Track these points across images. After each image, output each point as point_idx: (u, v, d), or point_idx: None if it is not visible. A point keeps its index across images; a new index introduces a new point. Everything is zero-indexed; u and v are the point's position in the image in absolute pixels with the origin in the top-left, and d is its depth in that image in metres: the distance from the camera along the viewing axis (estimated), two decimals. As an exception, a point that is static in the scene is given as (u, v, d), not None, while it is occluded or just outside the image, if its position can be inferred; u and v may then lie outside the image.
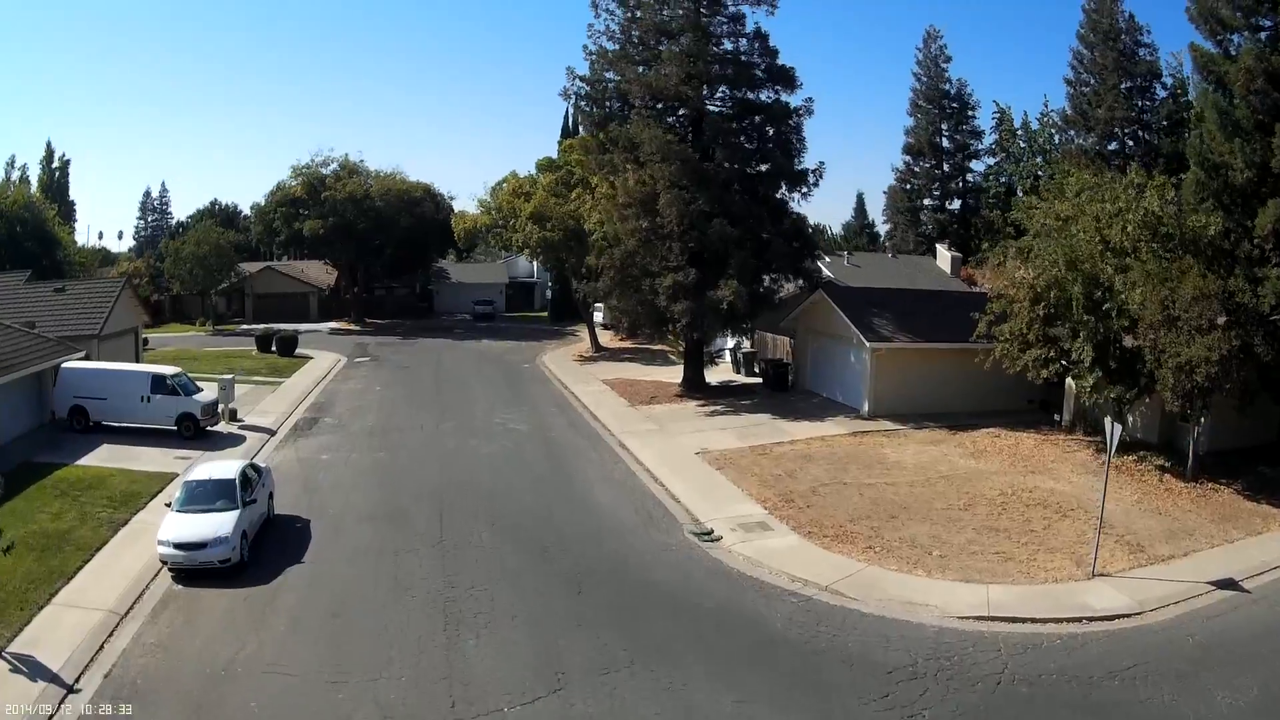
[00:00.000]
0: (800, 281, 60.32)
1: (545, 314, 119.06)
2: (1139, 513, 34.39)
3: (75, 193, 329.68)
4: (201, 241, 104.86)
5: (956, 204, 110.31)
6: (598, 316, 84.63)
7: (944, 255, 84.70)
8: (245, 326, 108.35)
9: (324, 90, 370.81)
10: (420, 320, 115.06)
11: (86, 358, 50.78)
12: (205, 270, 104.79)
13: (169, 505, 30.56)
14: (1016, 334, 43.69)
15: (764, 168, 59.60)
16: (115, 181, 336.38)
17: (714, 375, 64.34)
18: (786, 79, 58.51)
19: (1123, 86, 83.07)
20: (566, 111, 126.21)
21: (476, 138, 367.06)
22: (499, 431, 50.10)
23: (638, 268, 57.30)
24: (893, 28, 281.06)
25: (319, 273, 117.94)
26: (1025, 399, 50.91)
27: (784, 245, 57.09)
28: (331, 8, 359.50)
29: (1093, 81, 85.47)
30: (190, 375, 51.68)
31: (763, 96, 59.25)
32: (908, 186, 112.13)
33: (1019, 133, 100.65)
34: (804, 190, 60.19)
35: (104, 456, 41.38)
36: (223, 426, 49.94)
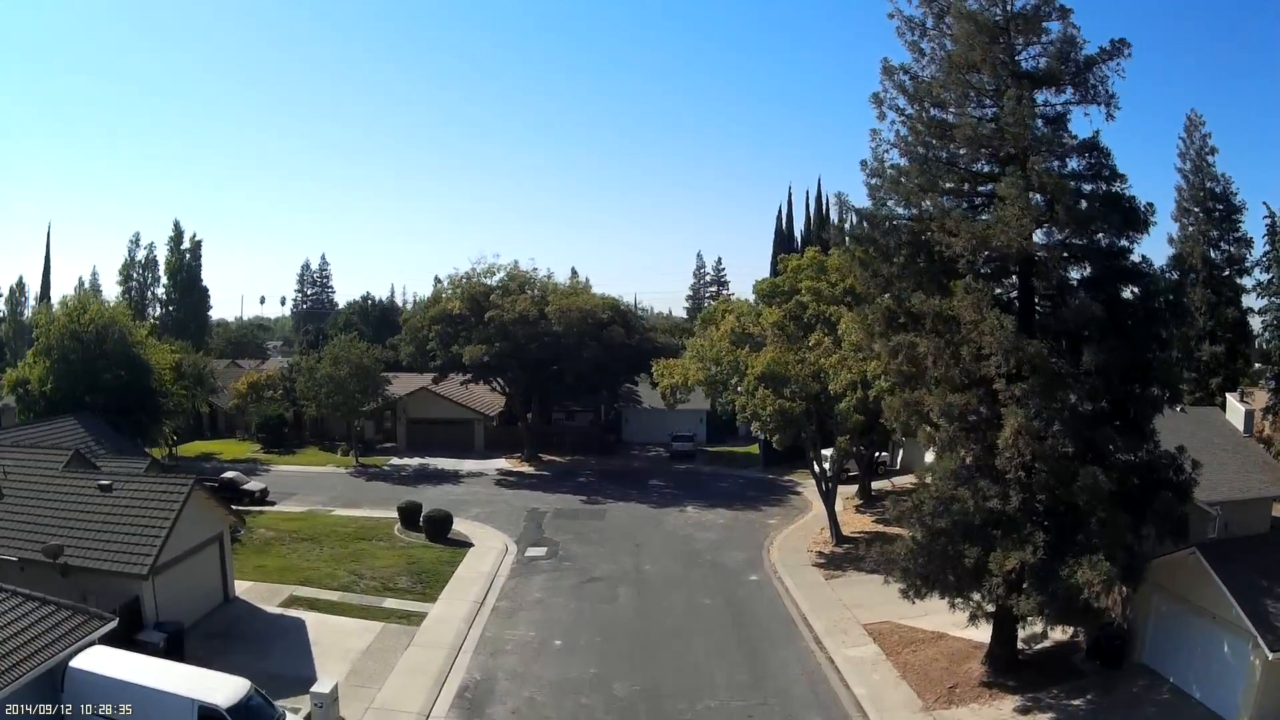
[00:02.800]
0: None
1: (754, 449, 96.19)
2: None
3: (228, 262, 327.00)
4: (340, 360, 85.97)
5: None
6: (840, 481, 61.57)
7: (1235, 407, 59.05)
8: (396, 461, 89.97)
9: (489, 181, 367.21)
10: (606, 459, 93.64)
11: (135, 605, 38.05)
12: (344, 395, 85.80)
13: None
14: None
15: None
16: (275, 248, 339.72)
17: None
18: (1133, 218, 34.58)
19: None
20: (780, 211, 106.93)
21: (669, 233, 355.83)
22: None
23: (951, 519, 34.78)
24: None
25: (484, 395, 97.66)
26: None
27: (1166, 498, 33.86)
28: (503, 94, 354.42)
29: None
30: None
31: (1102, 242, 35.12)
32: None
33: (1294, 244, 74.57)
34: (1172, 401, 36.99)
35: None
36: (316, 758, 30.66)
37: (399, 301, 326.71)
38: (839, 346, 56.27)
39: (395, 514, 64.24)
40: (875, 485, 73.68)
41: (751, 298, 72.02)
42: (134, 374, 69.42)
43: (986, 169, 35.87)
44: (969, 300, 32.75)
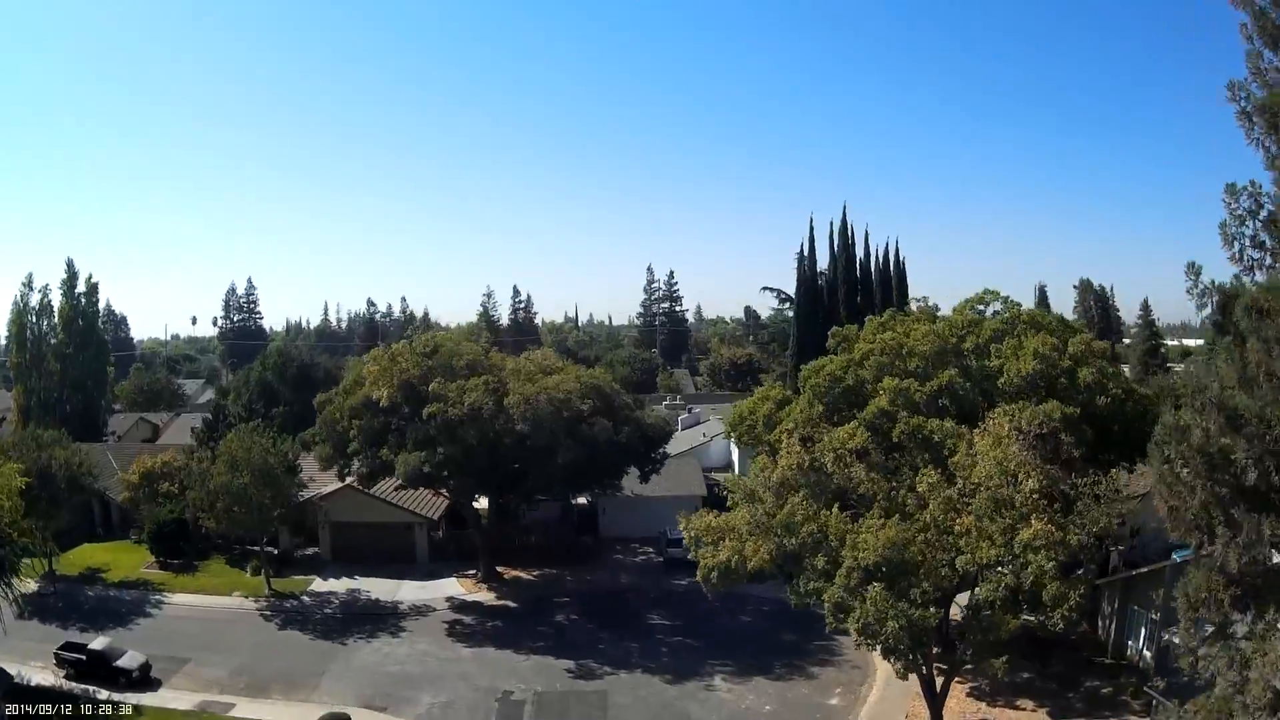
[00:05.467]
0: None
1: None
2: None
3: (157, 282, 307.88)
4: (239, 464, 65.93)
5: None
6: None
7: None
8: (319, 586, 71.07)
9: (423, 193, 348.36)
10: (583, 570, 74.61)
11: None
12: (246, 508, 65.97)
13: None
14: None
15: None
16: (207, 265, 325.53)
17: None
18: None
19: None
20: (801, 250, 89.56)
21: (617, 245, 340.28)
22: None
23: None
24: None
25: (426, 493, 77.45)
26: None
27: None
28: (433, 103, 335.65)
29: None
30: None
31: None
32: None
33: None
34: None
35: None
36: None
37: (332, 320, 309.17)
38: (950, 483, 38.24)
39: (316, 724, 45.27)
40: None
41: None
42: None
43: None
44: None
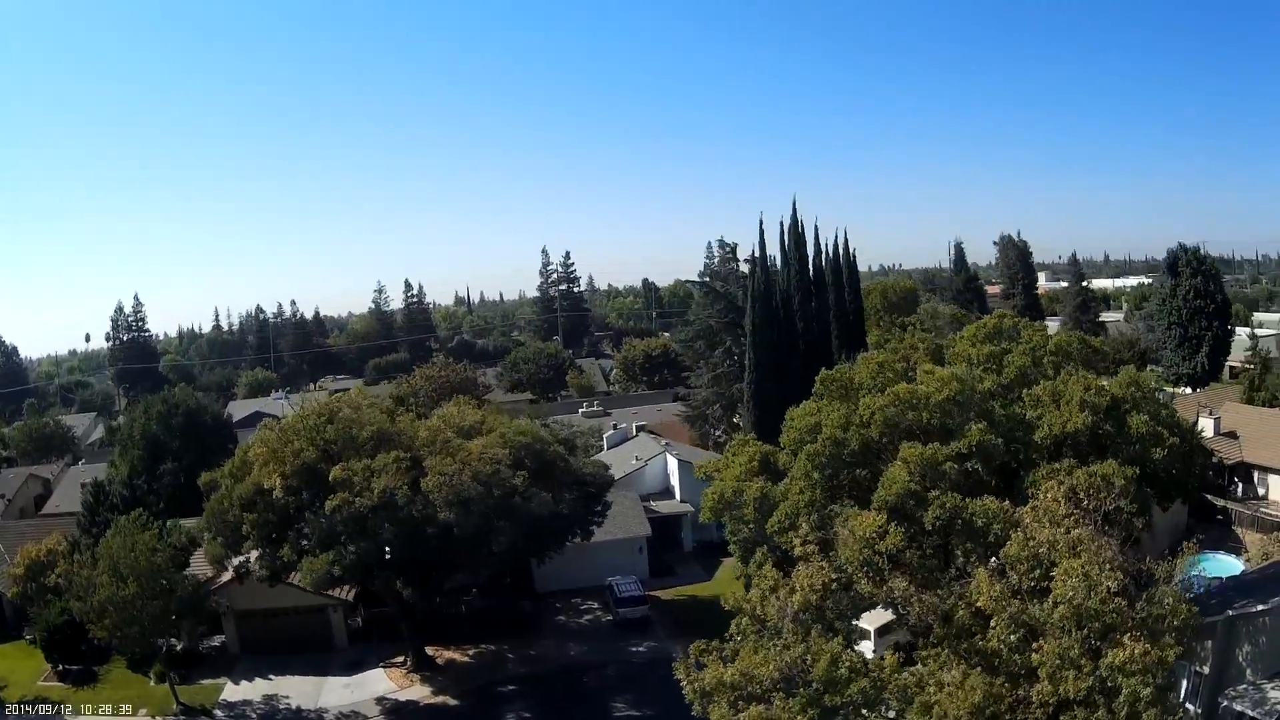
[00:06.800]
0: None
1: (716, 588, 67.48)
2: None
3: (50, 298, 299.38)
4: (121, 567, 55.69)
5: None
6: None
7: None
8: (231, 694, 61.78)
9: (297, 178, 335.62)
10: (526, 644, 65.82)
11: None
12: (133, 618, 55.92)
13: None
14: None
15: None
16: (96, 280, 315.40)
17: None
18: None
19: None
20: (752, 255, 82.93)
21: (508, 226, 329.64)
22: None
23: None
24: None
25: (337, 573, 68.11)
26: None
27: None
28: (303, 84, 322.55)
29: None
30: None
31: None
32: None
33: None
34: None
35: None
36: None
37: (224, 326, 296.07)
38: (1001, 577, 30.54)
39: None
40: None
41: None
42: None
43: None
44: None
